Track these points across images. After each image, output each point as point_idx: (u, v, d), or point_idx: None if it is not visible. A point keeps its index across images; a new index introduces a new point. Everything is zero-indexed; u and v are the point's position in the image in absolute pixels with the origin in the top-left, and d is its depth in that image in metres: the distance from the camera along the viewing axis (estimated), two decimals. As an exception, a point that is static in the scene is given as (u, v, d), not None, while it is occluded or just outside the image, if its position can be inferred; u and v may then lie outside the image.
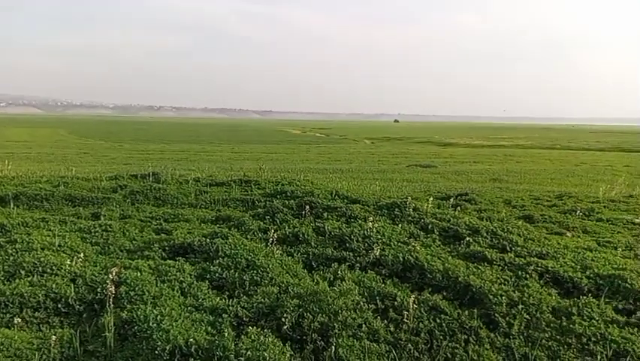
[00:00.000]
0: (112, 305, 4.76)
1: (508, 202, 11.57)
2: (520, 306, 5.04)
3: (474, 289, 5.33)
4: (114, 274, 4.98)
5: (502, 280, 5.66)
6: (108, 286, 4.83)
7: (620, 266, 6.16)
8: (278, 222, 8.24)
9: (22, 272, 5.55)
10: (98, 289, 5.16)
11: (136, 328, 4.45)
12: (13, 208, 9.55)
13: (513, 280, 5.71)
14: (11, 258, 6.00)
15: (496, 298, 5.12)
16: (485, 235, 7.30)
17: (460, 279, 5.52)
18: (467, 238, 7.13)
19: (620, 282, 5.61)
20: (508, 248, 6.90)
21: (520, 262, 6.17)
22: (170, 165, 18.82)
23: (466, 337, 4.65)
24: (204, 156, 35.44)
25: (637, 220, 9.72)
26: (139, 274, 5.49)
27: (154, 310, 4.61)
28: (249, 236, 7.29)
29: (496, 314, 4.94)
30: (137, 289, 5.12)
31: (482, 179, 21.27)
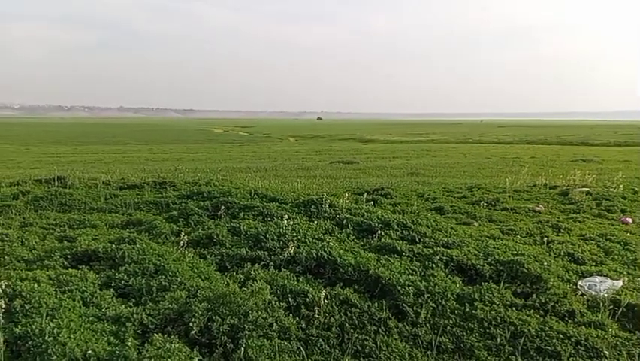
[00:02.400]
0: (2, 320, 4.41)
1: (422, 195, 12.00)
2: (426, 295, 5.23)
3: (383, 281, 5.46)
4: (4, 286, 4.61)
5: (410, 271, 5.85)
6: (-4, 300, 4.46)
7: (519, 252, 6.55)
8: (192, 224, 8.04)
9: None
10: (-10, 305, 4.76)
11: (30, 343, 4.14)
12: None
13: (420, 270, 5.91)
14: None
15: (404, 289, 5.28)
16: (396, 227, 7.52)
17: (370, 272, 5.64)
18: (379, 232, 7.31)
19: (518, 267, 5.96)
20: (417, 239, 7.15)
21: (428, 253, 6.40)
22: (82, 168, 17.88)
23: (375, 328, 4.75)
24: (120, 158, 33.92)
25: (537, 208, 10.42)
26: (36, 285, 5.11)
27: (51, 323, 4.32)
28: (160, 240, 7.05)
29: (404, 304, 5.10)
30: (32, 301, 4.77)
31: (401, 173, 21.97)
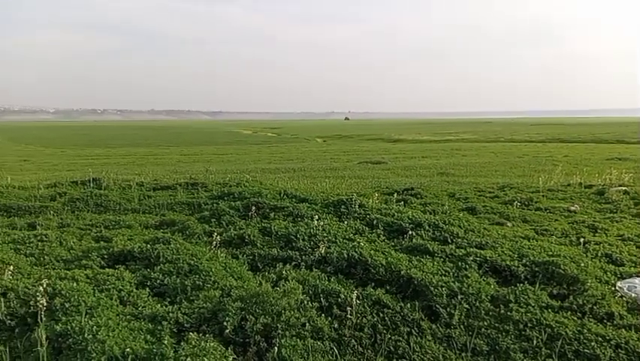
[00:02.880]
0: (44, 318, 4.56)
1: (453, 195, 11.87)
2: (460, 296, 5.17)
3: (416, 282, 5.42)
4: (45, 285, 4.76)
5: (443, 272, 5.79)
6: (39, 298, 4.61)
7: (555, 253, 6.41)
8: (224, 224, 8.14)
9: (-53, 289, 5.23)
10: (31, 303, 4.91)
11: (70, 340, 4.26)
12: (-60, 223, 8.99)
13: (453, 271, 5.85)
14: None
15: (437, 290, 5.23)
16: (428, 228, 7.45)
17: (402, 272, 5.61)
18: (410, 232, 7.26)
19: (554, 268, 5.85)
20: (449, 240, 7.07)
21: (461, 253, 6.33)
22: (115, 169, 18.29)
23: (408, 329, 4.72)
24: (152, 160, 34.59)
25: (572, 208, 10.18)
26: (75, 284, 5.26)
27: (90, 321, 4.44)
28: (193, 240, 7.16)
29: (437, 305, 5.05)
30: (72, 300, 4.91)
31: (430, 173, 21.77)
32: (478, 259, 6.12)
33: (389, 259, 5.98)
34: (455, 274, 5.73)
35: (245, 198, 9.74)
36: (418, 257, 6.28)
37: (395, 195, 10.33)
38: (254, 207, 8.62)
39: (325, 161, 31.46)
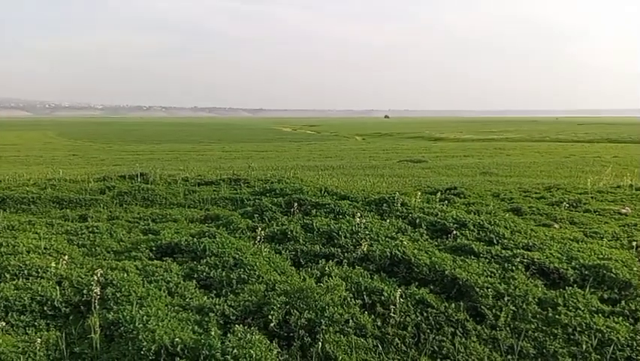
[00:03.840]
0: (97, 307, 4.74)
1: (497, 195, 11.61)
2: (506, 298, 5.08)
3: (460, 282, 5.35)
4: (99, 275, 4.95)
5: (489, 273, 5.70)
6: (93, 287, 4.80)
7: (606, 256, 6.21)
8: (266, 219, 8.24)
9: (7, 276, 5.52)
10: (84, 291, 5.13)
11: (122, 329, 4.43)
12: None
13: (499, 272, 5.74)
14: (-4, 262, 5.95)
15: (482, 291, 5.15)
16: (472, 228, 7.33)
17: (446, 272, 5.55)
18: (454, 232, 7.16)
19: (605, 272, 5.66)
20: (495, 241, 6.94)
21: (507, 255, 6.20)
22: (159, 165, 18.74)
23: (453, 330, 4.67)
24: (194, 156, 35.28)
25: (623, 211, 9.80)
26: (125, 275, 5.46)
27: (140, 311, 4.60)
28: (237, 234, 7.28)
29: (482, 307, 4.98)
30: (123, 290, 5.10)
31: (472, 172, 21.36)
32: (525, 260, 5.98)
33: (433, 258, 5.92)
34: (501, 276, 5.62)
35: (286, 194, 9.83)
36: (462, 257, 6.19)
37: (438, 194, 10.18)
38: (296, 204, 8.69)
39: (364, 159, 31.32)
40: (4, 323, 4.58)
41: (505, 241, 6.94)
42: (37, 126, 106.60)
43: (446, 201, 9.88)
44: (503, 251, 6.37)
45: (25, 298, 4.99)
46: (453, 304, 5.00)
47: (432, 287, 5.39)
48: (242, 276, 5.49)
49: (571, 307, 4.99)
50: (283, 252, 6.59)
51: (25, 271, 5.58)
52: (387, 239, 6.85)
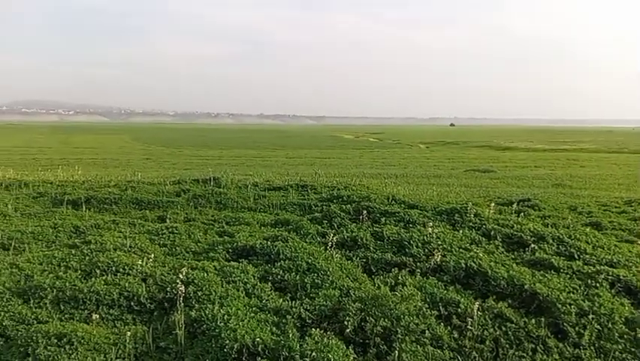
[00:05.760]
0: (182, 304, 4.96)
1: (574, 208, 11.12)
2: (590, 316, 4.86)
3: (541, 298, 5.17)
4: (184, 274, 5.18)
5: (571, 289, 5.47)
6: (178, 285, 5.04)
7: (700, 276, 5.80)
8: (335, 226, 8.31)
9: (98, 271, 5.88)
10: (168, 289, 5.39)
11: (204, 326, 4.62)
12: (85, 211, 10.12)
13: (582, 288, 5.50)
14: (87, 258, 6.37)
15: (564, 307, 4.95)
16: (551, 241, 7.06)
17: (525, 287, 5.38)
18: (532, 245, 6.93)
19: (700, 293, 5.29)
20: (576, 256, 6.65)
21: (590, 271, 5.93)
22: (228, 170, 19.32)
23: (533, 346, 4.53)
24: (260, 161, 36.08)
25: None
26: (205, 274, 5.69)
27: (221, 310, 4.77)
28: (307, 240, 7.39)
29: (564, 324, 4.78)
30: (204, 289, 5.31)
31: (544, 184, 20.52)
32: (609, 277, 5.70)
33: (510, 272, 5.76)
34: (585, 293, 5.39)
35: (354, 201, 9.86)
36: (542, 272, 5.98)
37: (512, 205, 9.88)
38: (365, 212, 8.71)
39: (428, 167, 30.82)
40: (96, 316, 4.90)
41: (587, 256, 6.64)
42: (114, 131, 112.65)
43: (519, 213, 9.57)
44: (585, 267, 6.09)
45: (114, 293, 5.31)
46: (533, 320, 4.84)
47: (510, 301, 5.24)
48: (315, 281, 5.58)
49: (662, 330, 4.71)
50: (354, 259, 6.63)
51: (114, 268, 5.93)
52: (460, 250, 6.73)
